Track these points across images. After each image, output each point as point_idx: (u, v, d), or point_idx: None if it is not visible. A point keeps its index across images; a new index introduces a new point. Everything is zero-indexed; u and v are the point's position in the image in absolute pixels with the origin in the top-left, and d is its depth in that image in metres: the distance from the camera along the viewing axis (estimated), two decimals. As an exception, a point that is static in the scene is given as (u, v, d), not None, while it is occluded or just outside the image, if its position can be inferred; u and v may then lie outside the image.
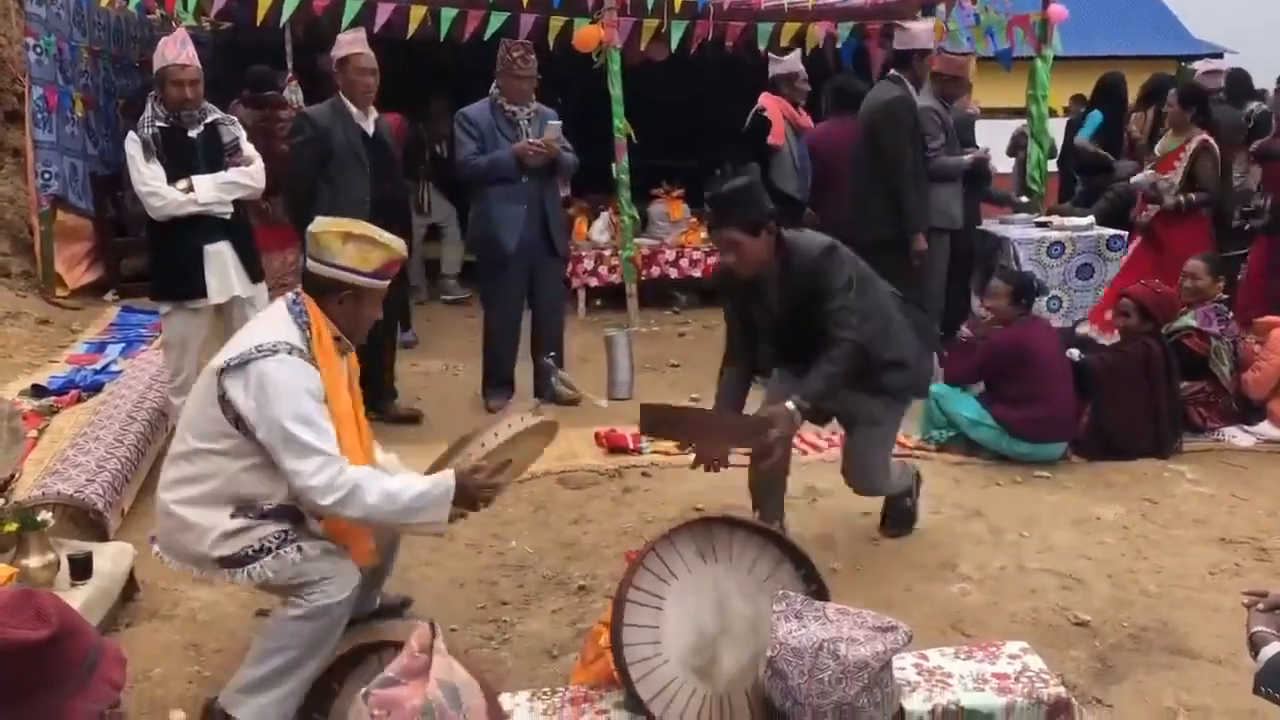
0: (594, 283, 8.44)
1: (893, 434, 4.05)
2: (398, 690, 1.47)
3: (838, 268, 3.59)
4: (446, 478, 2.85)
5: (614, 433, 5.28)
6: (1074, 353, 5.55)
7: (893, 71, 6.12)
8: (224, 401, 2.83)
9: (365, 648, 2.67)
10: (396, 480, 2.86)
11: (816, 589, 1.99)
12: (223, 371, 2.83)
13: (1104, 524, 4.39)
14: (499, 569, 4.07)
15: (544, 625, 3.65)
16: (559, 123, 5.67)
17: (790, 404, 3.46)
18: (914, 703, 2.40)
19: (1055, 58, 8.16)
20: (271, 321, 2.94)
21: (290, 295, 3.00)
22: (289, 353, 2.82)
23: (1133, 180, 6.87)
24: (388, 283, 3.07)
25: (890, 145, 5.88)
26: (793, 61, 6.95)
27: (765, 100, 6.75)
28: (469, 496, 2.87)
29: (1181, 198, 6.35)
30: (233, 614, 3.74)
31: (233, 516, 2.87)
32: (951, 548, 4.14)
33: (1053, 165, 8.64)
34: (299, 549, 2.89)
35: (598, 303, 8.53)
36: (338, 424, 2.88)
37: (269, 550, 2.86)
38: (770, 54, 7.44)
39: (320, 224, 2.98)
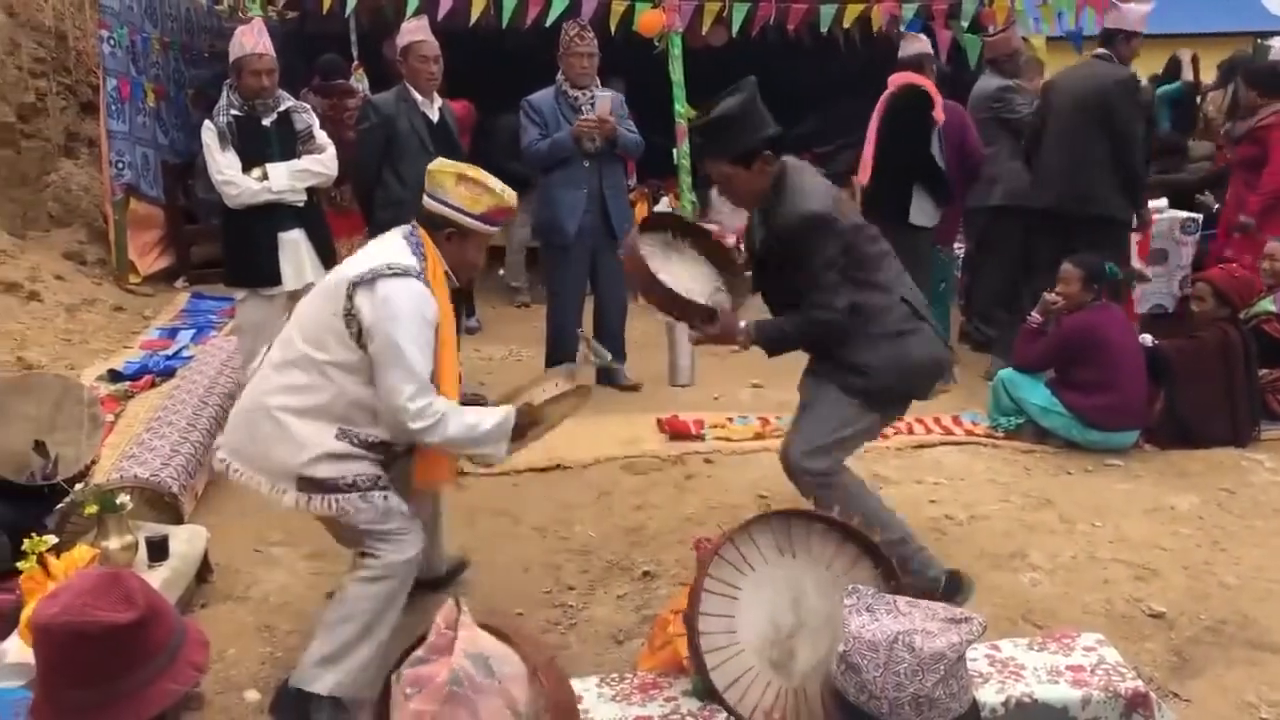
0: (656, 268, 8.42)
1: (830, 424, 3.47)
2: (427, 668, 1.50)
3: (818, 240, 3.24)
4: (508, 413, 3.11)
5: (676, 419, 5.27)
6: (1147, 338, 5.43)
7: (1101, 50, 6.01)
8: (349, 315, 2.93)
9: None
10: (472, 413, 3.05)
11: (895, 586, 1.96)
12: (354, 285, 2.93)
13: (1179, 514, 4.29)
14: (564, 554, 4.09)
15: (609, 610, 3.66)
16: (608, 94, 5.62)
17: (744, 322, 3.37)
18: (986, 694, 2.37)
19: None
20: (394, 248, 3.05)
21: (405, 227, 3.14)
22: (416, 277, 2.96)
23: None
24: (495, 229, 3.19)
25: (1126, 121, 5.74)
26: (925, 42, 6.63)
27: (913, 78, 6.29)
28: (520, 433, 3.14)
29: None
30: (304, 595, 3.81)
31: (337, 438, 2.96)
32: (1021, 537, 4.07)
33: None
34: (385, 497, 3.01)
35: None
36: (442, 350, 3.03)
37: (359, 489, 2.98)
38: (904, 34, 7.25)
39: (439, 163, 3.16)
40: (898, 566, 3.07)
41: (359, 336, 2.93)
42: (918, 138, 5.98)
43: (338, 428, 2.98)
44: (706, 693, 2.21)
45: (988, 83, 6.73)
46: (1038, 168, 6.06)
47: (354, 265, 3.02)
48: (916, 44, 6.48)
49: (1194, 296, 5.30)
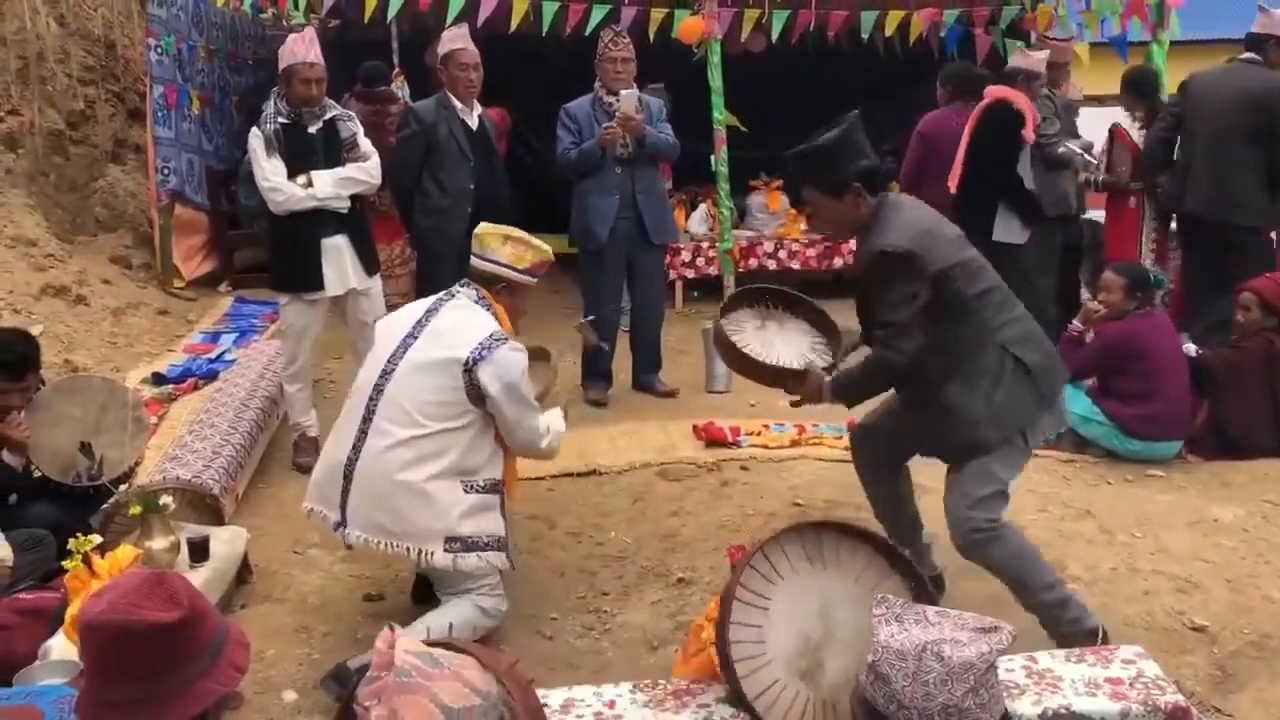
0: (691, 274, 8.42)
1: (980, 476, 3.21)
2: (378, 683, 1.59)
3: (893, 277, 3.13)
4: (556, 415, 3.69)
5: (712, 426, 5.26)
6: (1190, 348, 5.35)
7: (1247, 54, 5.94)
8: (471, 387, 3.31)
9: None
10: (550, 419, 3.61)
11: (924, 600, 1.94)
12: (473, 363, 3.30)
13: (1222, 526, 4.22)
14: (598, 559, 4.10)
15: (644, 617, 3.67)
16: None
17: (827, 378, 3.39)
18: (1023, 705, 2.35)
19: (1172, 42, 7.86)
20: (476, 314, 3.47)
21: (468, 290, 3.53)
22: (507, 340, 3.39)
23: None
24: (535, 279, 3.63)
25: None
26: (1040, 60, 6.43)
27: (1008, 93, 6.13)
28: None
29: None
30: (341, 597, 3.85)
31: (465, 491, 3.32)
32: (1060, 547, 4.02)
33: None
34: (507, 558, 3.41)
35: (695, 295, 8.52)
36: None
37: (493, 547, 3.36)
38: (1021, 47, 7.19)
39: (484, 228, 3.58)
40: (1048, 624, 3.11)
41: (481, 401, 3.32)
42: (1005, 154, 5.92)
43: (460, 481, 3.31)
44: (735, 699, 2.21)
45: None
46: (1181, 175, 5.95)
47: (449, 344, 3.35)
48: (1023, 59, 6.35)
49: (1240, 306, 5.23)
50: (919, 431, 3.41)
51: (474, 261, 3.55)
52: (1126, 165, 6.47)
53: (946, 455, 3.33)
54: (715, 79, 7.63)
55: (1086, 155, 6.32)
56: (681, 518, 4.40)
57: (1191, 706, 2.40)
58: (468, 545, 3.30)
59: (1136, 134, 6.49)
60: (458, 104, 5.46)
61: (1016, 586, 3.19)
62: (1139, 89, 6.64)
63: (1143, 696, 2.40)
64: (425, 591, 3.63)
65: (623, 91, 5.60)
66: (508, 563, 3.43)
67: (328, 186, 4.80)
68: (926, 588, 2.30)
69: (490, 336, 3.35)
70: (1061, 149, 6.18)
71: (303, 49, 4.77)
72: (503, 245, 3.53)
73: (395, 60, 8.30)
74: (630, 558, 4.09)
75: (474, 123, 5.53)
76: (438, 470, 3.28)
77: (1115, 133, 6.58)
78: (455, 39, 5.50)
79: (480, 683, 1.58)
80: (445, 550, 3.27)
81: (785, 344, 3.63)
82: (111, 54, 8.74)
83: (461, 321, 3.44)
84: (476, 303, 3.49)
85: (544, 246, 3.61)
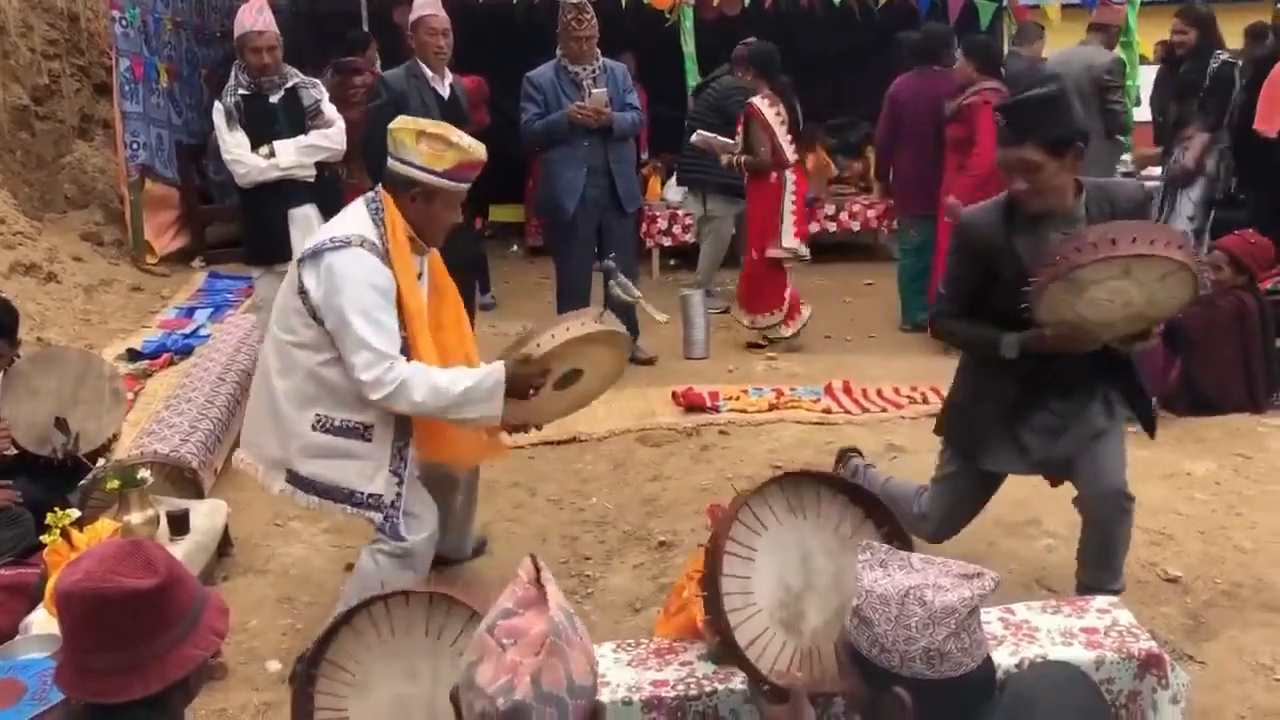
0: (668, 242, 8.42)
1: (1120, 448, 3.20)
2: (520, 619, 1.49)
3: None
4: (496, 369, 2.92)
5: (691, 391, 5.28)
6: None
7: None
8: (301, 292, 2.92)
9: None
10: (444, 375, 2.90)
11: (900, 547, 1.96)
12: (301, 261, 2.94)
13: (1195, 479, 4.28)
14: (580, 525, 4.12)
15: (626, 580, 3.69)
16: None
17: None
18: (1000, 655, 2.37)
19: (1143, 1, 7.88)
20: (350, 217, 3.02)
21: (370, 193, 3.06)
22: (360, 245, 2.89)
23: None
24: (463, 185, 3.04)
25: None
26: (1119, 14, 6.61)
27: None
28: (521, 386, 2.94)
29: None
30: (324, 568, 3.85)
31: (314, 427, 2.98)
32: (1036, 504, 4.06)
33: (1143, 114, 8.33)
34: (385, 520, 3.01)
35: (672, 263, 8.51)
36: (410, 320, 2.96)
37: (339, 499, 3.01)
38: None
39: (400, 120, 3.01)
40: (1095, 587, 3.03)
41: (314, 313, 2.91)
42: None
43: (313, 413, 2.98)
44: (727, 653, 2.22)
45: (1099, 54, 6.61)
46: None
47: (307, 244, 3.03)
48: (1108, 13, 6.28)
49: (1210, 265, 5.26)
50: (1081, 413, 3.14)
51: (388, 162, 3.01)
52: (765, 145, 6.16)
53: (1104, 422, 3.14)
54: (688, 44, 7.61)
55: (721, 138, 6.24)
56: (662, 482, 4.42)
57: (1164, 653, 2.44)
58: (305, 486, 3.00)
59: (770, 113, 6.18)
60: (428, 72, 5.40)
61: (1118, 550, 3.16)
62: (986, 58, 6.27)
63: (1117, 645, 2.43)
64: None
65: (594, 90, 5.56)
66: (385, 526, 3.00)
67: (291, 155, 4.77)
68: (905, 537, 2.31)
69: (331, 239, 2.91)
70: (696, 136, 6.22)
71: (250, 18, 4.73)
72: (417, 143, 2.94)
73: (364, 29, 8.19)
74: (612, 522, 4.11)
75: (445, 91, 5.47)
76: (289, 388, 2.98)
77: (750, 111, 6.21)
78: (425, 5, 5.42)
79: (594, 659, 1.55)
80: (286, 482, 3.02)
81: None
82: (75, 27, 8.60)
83: (332, 224, 3.05)
84: (367, 205, 3.02)
85: (470, 145, 2.99)
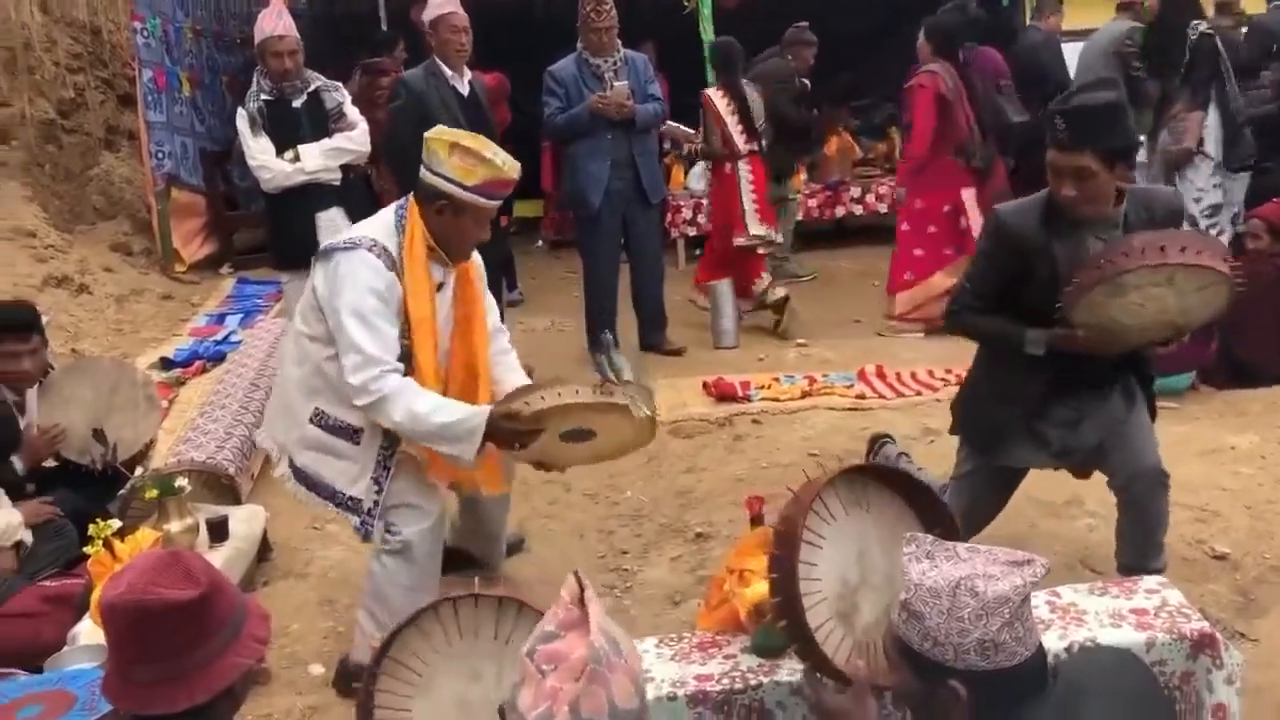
0: (693, 232, 8.37)
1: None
2: (561, 643, 1.47)
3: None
4: (479, 414, 2.88)
5: (722, 381, 5.25)
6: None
7: None
8: (313, 289, 2.99)
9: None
10: (427, 402, 2.87)
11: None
12: (314, 260, 3.00)
13: (1239, 454, 4.21)
14: (616, 519, 4.11)
15: (664, 573, 3.68)
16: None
17: None
18: (1049, 640, 2.33)
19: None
20: (374, 220, 3.05)
21: (403, 199, 3.06)
22: (369, 249, 2.90)
23: None
24: (493, 203, 2.99)
25: None
26: None
27: None
28: (505, 438, 2.90)
29: None
30: (362, 570, 3.81)
31: (311, 420, 3.03)
32: (1076, 484, 3.98)
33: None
34: (361, 524, 3.07)
35: (697, 252, 8.46)
36: (413, 329, 2.94)
37: (324, 496, 3.08)
38: None
39: (436, 131, 3.01)
40: (1139, 568, 2.99)
41: (321, 310, 2.95)
42: None
43: (313, 404, 3.01)
44: (796, 636, 2.17)
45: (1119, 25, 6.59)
46: None
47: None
48: None
49: (1249, 234, 5.17)
50: (1107, 403, 3.12)
51: (421, 171, 2.99)
52: (716, 134, 6.36)
53: (1124, 407, 3.13)
54: (708, 32, 7.56)
55: (683, 127, 6.29)
56: (696, 474, 4.40)
57: (1217, 633, 2.39)
58: (299, 476, 3.07)
59: (722, 104, 6.32)
60: (447, 70, 5.38)
61: (1158, 529, 3.14)
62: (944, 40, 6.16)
63: (1168, 625, 2.39)
64: (451, 562, 3.49)
65: (615, 84, 5.53)
66: (361, 530, 3.03)
67: (316, 159, 4.78)
68: (957, 529, 2.28)
69: (345, 240, 2.95)
70: (664, 126, 6.24)
71: (270, 23, 4.75)
72: (450, 155, 2.89)
73: (384, 29, 8.20)
74: (648, 516, 4.10)
75: (464, 89, 5.46)
76: (300, 377, 3.04)
77: (703, 101, 6.36)
78: (443, 3, 5.41)
79: (640, 677, 1.54)
80: (288, 467, 3.10)
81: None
82: (98, 40, 8.66)
83: (355, 226, 3.12)
84: (395, 211, 3.02)
85: (504, 162, 2.93)
